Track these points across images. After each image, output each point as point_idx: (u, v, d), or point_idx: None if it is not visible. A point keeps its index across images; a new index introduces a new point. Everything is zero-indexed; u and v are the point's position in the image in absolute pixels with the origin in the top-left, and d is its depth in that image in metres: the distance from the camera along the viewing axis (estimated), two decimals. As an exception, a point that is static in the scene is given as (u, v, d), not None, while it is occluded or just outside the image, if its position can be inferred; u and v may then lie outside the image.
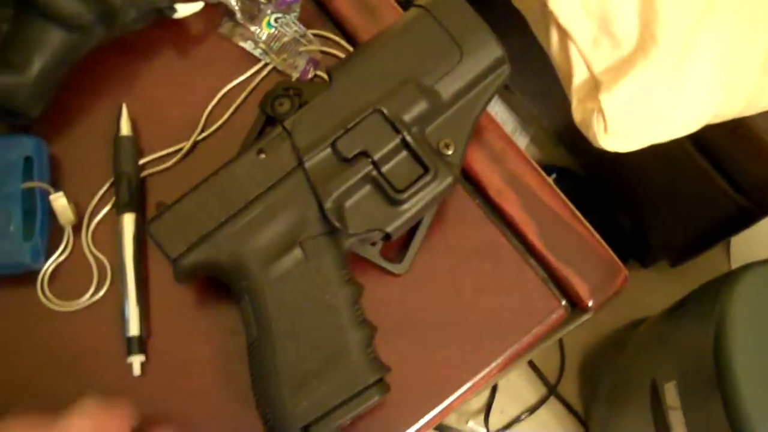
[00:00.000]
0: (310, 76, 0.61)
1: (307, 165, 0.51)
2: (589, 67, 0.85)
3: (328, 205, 0.50)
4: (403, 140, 0.51)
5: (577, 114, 0.86)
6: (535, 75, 1.03)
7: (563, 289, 0.57)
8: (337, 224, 0.50)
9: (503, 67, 0.54)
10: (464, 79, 0.53)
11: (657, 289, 1.37)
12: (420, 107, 0.52)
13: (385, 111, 0.51)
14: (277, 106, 0.53)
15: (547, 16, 0.87)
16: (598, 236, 0.57)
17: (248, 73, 0.61)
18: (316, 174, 0.51)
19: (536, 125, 1.49)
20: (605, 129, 0.83)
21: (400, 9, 0.63)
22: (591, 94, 0.84)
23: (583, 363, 1.49)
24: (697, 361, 0.93)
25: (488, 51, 0.53)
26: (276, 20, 0.61)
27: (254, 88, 0.61)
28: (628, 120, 0.82)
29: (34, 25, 0.56)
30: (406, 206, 0.51)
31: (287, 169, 0.51)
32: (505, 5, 0.97)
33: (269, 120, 0.54)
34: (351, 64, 0.54)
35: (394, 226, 0.51)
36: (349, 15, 0.63)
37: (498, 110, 1.46)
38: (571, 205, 0.58)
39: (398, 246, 0.57)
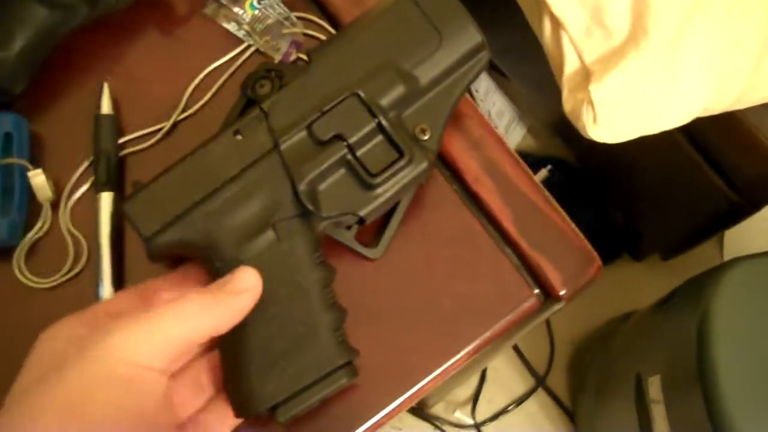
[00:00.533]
0: (292, 58, 0.61)
1: (282, 147, 0.51)
2: (580, 57, 0.85)
3: (302, 187, 0.50)
4: (379, 124, 0.51)
5: (568, 104, 0.86)
6: (533, 65, 1.03)
7: (536, 277, 0.57)
8: (310, 207, 0.50)
9: (482, 54, 0.54)
10: (443, 64, 0.53)
11: (649, 283, 1.37)
12: (397, 92, 0.51)
13: (362, 94, 0.51)
14: (257, 87, 0.53)
15: (541, 5, 0.87)
16: (573, 225, 0.57)
17: (231, 55, 0.62)
18: (291, 156, 0.51)
19: (534, 116, 1.49)
20: (594, 119, 0.83)
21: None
22: (581, 84, 0.84)
23: (573, 355, 1.49)
24: (681, 356, 0.93)
25: (467, 37, 0.53)
26: (259, 2, 0.61)
27: (236, 70, 0.61)
28: (618, 111, 0.82)
29: (17, 2, 0.56)
30: (379, 190, 0.51)
31: (263, 151, 0.51)
32: (504, -6, 0.97)
33: (250, 102, 0.54)
34: (330, 47, 0.53)
35: (368, 210, 0.51)
36: (333, -2, 0.63)
37: (496, 100, 1.46)
38: (548, 194, 0.58)
39: (374, 230, 0.57)
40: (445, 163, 0.59)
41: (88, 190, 0.59)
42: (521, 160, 0.59)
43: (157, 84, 0.62)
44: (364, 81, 0.51)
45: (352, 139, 0.51)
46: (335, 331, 0.50)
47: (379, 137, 0.51)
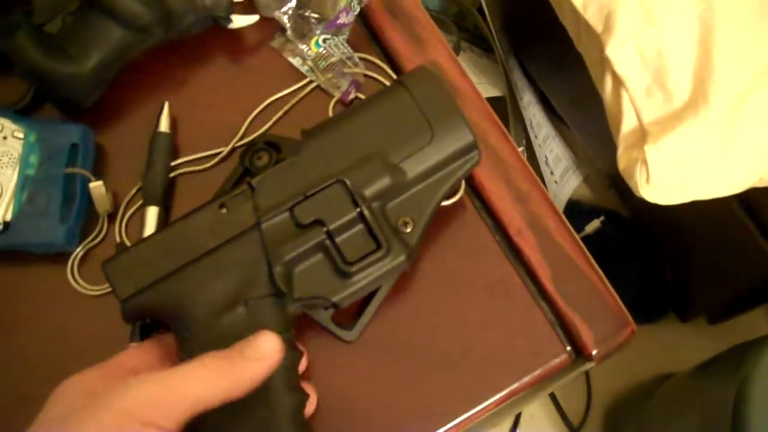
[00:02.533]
0: (351, 97, 0.62)
1: (263, 226, 0.51)
2: (638, 117, 0.86)
3: (277, 268, 0.50)
4: (361, 214, 0.51)
5: (622, 161, 0.87)
6: (594, 117, 1.03)
7: (569, 335, 0.57)
8: (283, 288, 0.50)
9: (473, 153, 0.54)
10: (432, 160, 0.53)
11: (692, 345, 1.36)
12: (383, 183, 0.52)
13: (348, 183, 0.51)
14: (255, 159, 0.54)
15: (604, 62, 0.87)
16: (610, 287, 0.58)
17: (292, 88, 0.64)
18: (271, 236, 0.51)
19: (591, 166, 1.48)
20: (647, 180, 0.83)
21: (446, 42, 0.64)
22: (637, 143, 0.84)
23: (609, 409, 1.47)
24: (716, 425, 0.92)
25: (459, 135, 0.53)
26: (324, 41, 0.63)
27: (297, 103, 0.63)
28: (671, 174, 0.82)
29: (95, 21, 0.59)
30: (355, 278, 0.51)
31: (244, 227, 0.51)
32: (573, 45, 0.98)
33: (247, 171, 0.56)
34: (324, 131, 0.54)
35: (341, 296, 0.51)
36: (397, 43, 0.64)
37: (554, 147, 1.46)
38: (588, 253, 0.59)
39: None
40: (489, 213, 0.60)
41: (142, 205, 0.61)
42: (565, 218, 0.60)
43: (219, 109, 0.64)
44: (351, 169, 0.52)
45: (332, 226, 0.51)
46: (294, 414, 0.49)
47: (360, 226, 0.52)
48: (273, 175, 0.53)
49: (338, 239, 0.51)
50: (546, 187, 1.41)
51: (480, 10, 1.33)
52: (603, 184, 1.50)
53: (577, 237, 0.59)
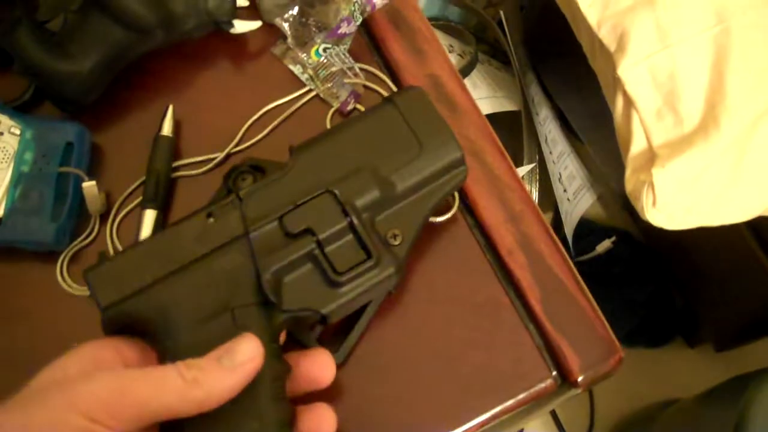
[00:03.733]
0: (349, 107, 0.62)
1: (252, 235, 0.51)
2: (648, 139, 0.85)
3: (266, 276, 0.49)
4: (351, 224, 0.51)
5: (629, 183, 0.86)
6: (610, 135, 1.02)
7: (556, 359, 0.56)
8: (272, 298, 0.49)
9: (461, 168, 0.55)
10: (421, 174, 0.54)
11: (699, 372, 1.34)
12: (372, 195, 0.52)
13: (338, 193, 0.51)
14: (239, 180, 0.54)
15: (615, 82, 0.86)
16: (600, 313, 0.57)
17: (291, 96, 0.63)
18: (259, 245, 0.50)
19: (605, 185, 1.47)
20: (654, 203, 0.82)
21: (447, 54, 0.64)
22: (645, 165, 0.83)
23: (612, 431, 1.45)
24: (714, 455, 0.90)
25: (447, 151, 0.54)
26: (325, 50, 0.62)
27: (294, 112, 0.63)
28: (678, 199, 0.81)
29: (97, 20, 0.59)
30: (344, 289, 0.51)
31: (232, 236, 0.51)
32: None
33: (230, 193, 0.55)
34: (313, 145, 0.55)
35: (330, 308, 0.51)
36: (398, 55, 0.64)
37: (569, 164, 1.45)
38: (579, 278, 0.58)
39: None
40: (481, 231, 0.59)
41: (136, 207, 0.61)
42: (558, 241, 0.59)
43: (217, 114, 0.64)
44: (341, 181, 0.52)
45: (322, 235, 0.51)
46: (282, 427, 0.48)
47: (350, 236, 0.51)
48: (261, 187, 0.53)
49: (327, 249, 0.51)
50: (558, 204, 1.41)
51: (500, 23, 1.32)
52: (617, 204, 1.49)
53: (570, 261, 0.58)
